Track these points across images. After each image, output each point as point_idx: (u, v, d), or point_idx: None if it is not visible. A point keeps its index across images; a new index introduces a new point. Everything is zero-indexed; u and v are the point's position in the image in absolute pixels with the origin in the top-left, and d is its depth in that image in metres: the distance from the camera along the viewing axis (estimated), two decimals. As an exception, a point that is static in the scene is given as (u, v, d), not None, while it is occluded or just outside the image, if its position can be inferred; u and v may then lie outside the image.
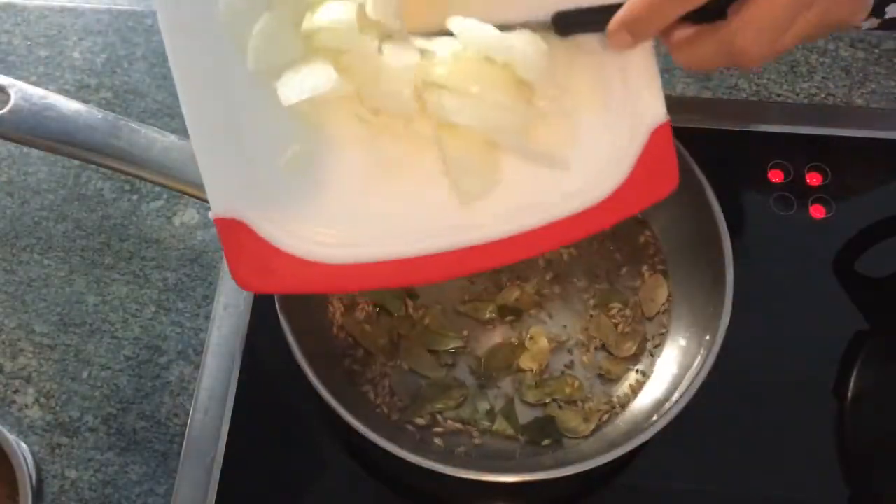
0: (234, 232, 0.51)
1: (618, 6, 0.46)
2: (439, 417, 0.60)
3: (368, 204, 0.51)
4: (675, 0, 0.44)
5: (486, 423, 0.59)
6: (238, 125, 0.50)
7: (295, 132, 0.49)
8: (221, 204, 0.51)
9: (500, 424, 0.59)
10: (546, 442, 0.58)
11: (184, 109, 0.50)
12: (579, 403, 0.59)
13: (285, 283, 0.53)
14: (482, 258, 0.52)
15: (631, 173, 0.52)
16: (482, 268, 0.54)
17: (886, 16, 0.78)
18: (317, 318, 0.62)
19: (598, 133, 0.51)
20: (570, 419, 0.59)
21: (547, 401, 0.60)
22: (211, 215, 0.51)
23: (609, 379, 0.61)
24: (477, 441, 0.59)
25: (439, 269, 0.52)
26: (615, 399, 0.60)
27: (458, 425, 0.59)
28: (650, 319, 0.63)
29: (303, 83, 0.46)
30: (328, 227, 0.51)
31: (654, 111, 0.52)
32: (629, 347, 0.61)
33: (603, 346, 0.62)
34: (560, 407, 0.59)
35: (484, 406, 0.60)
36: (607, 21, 0.46)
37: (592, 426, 0.58)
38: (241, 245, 0.51)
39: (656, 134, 0.52)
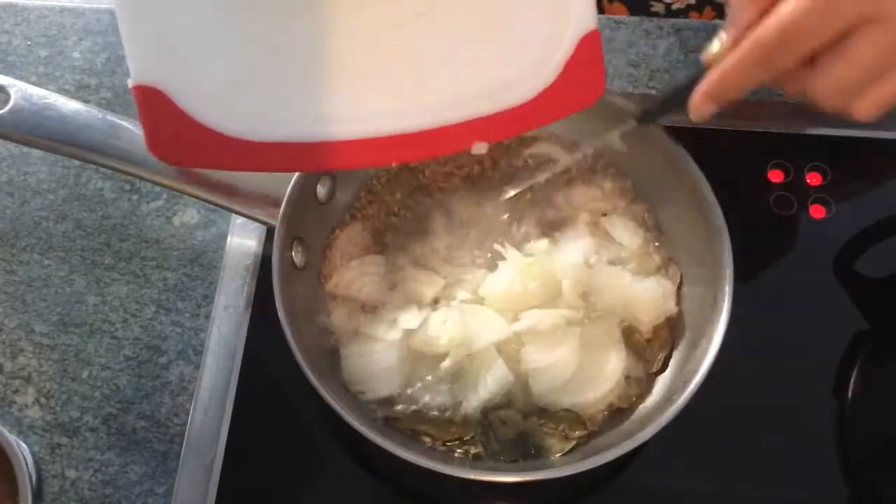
0: (153, 101, 0.51)
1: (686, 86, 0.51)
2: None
3: (294, 83, 0.52)
4: (754, 71, 0.48)
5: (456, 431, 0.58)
6: None
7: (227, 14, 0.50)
8: (142, 70, 0.50)
9: (479, 445, 0.57)
10: (518, 457, 0.57)
11: None
12: (563, 429, 0.57)
13: (203, 156, 0.53)
14: (403, 148, 0.53)
15: (556, 78, 0.54)
16: (402, 158, 0.55)
17: None
18: (317, 318, 0.62)
19: (525, 34, 0.53)
20: (547, 438, 0.57)
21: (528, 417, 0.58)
22: (130, 82, 0.51)
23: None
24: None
25: (362, 155, 0.53)
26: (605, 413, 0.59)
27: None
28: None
29: None
30: (253, 102, 0.52)
31: (583, 19, 0.53)
32: (660, 360, 0.60)
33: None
34: (541, 424, 0.57)
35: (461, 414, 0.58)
36: (686, 99, 0.51)
37: (571, 446, 0.57)
38: (159, 115, 0.51)
39: (584, 41, 0.53)
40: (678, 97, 0.52)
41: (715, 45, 0.50)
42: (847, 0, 0.44)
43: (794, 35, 0.45)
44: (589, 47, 0.54)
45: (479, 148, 0.54)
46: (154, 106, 0.51)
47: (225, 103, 0.52)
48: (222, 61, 0.51)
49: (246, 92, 0.52)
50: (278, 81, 0.52)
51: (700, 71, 0.51)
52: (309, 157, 0.53)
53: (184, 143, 0.52)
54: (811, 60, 0.47)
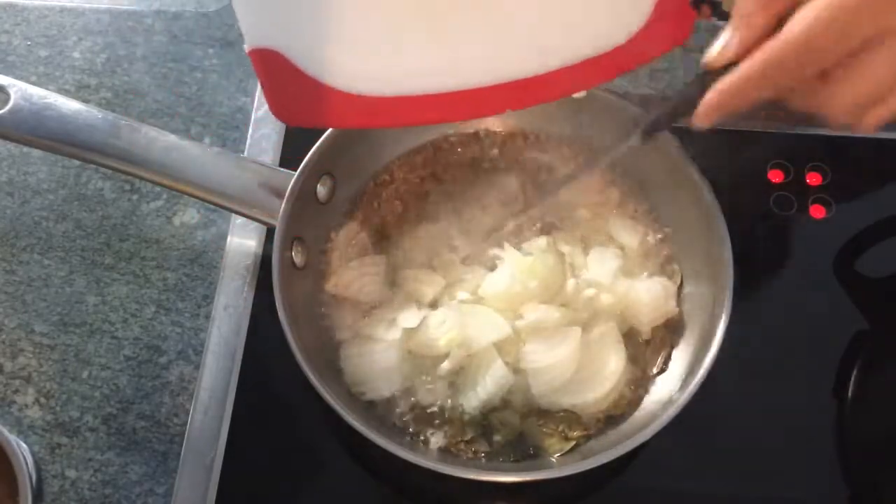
0: (271, 63, 0.50)
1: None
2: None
3: (407, 39, 0.52)
4: (765, 85, 0.46)
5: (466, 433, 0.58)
6: None
7: None
8: (257, 34, 0.50)
9: (479, 445, 0.57)
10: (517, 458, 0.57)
11: None
12: (562, 429, 0.58)
13: (325, 115, 0.53)
14: (507, 97, 0.54)
15: (648, 19, 0.54)
16: (512, 106, 0.56)
17: None
18: (317, 318, 0.62)
19: None
20: (546, 438, 0.57)
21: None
22: (246, 48, 0.50)
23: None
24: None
25: (471, 105, 0.53)
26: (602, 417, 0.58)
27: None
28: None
29: None
30: (369, 58, 0.51)
31: None
32: (659, 360, 0.60)
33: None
34: (540, 424, 0.57)
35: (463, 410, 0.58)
36: (689, 111, 0.50)
37: (570, 446, 0.57)
38: (278, 76, 0.51)
39: None
40: (685, 107, 0.51)
41: (717, 49, 0.48)
42: (867, 13, 0.43)
43: (813, 49, 0.44)
44: None
45: (579, 93, 0.56)
46: (272, 67, 0.50)
47: (345, 61, 0.51)
48: (337, 19, 0.50)
49: (364, 48, 0.51)
50: (387, 35, 0.51)
51: (704, 77, 0.49)
52: (421, 111, 0.53)
53: (305, 103, 0.51)
54: (822, 73, 0.46)
